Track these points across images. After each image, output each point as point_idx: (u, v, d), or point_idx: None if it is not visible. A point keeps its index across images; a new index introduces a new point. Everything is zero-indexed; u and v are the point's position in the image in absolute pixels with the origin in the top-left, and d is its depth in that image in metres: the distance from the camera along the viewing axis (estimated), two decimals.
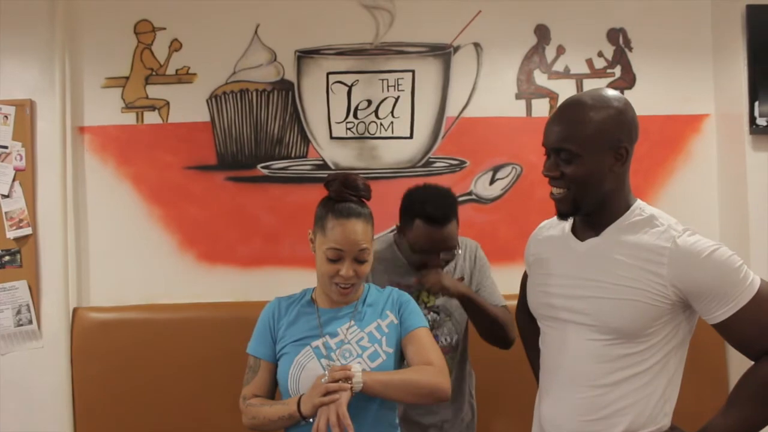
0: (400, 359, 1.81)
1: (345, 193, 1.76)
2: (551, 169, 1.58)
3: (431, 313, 2.18)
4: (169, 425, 2.83)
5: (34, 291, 2.90)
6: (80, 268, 2.96)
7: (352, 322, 1.78)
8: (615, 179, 1.56)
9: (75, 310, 2.91)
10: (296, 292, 1.90)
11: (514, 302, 2.07)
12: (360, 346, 1.75)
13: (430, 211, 2.04)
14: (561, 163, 1.56)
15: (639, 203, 1.61)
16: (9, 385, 2.89)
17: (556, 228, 1.77)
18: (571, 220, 1.69)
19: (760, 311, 1.45)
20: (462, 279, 2.21)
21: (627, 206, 1.59)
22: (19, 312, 2.90)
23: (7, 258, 2.90)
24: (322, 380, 1.60)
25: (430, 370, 1.69)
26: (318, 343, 1.75)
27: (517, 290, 2.04)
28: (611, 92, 1.59)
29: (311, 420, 1.59)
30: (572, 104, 1.58)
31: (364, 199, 1.80)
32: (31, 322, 2.90)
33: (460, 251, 2.18)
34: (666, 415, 1.57)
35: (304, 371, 1.71)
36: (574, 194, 1.56)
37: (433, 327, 2.16)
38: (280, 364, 1.77)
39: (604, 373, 1.56)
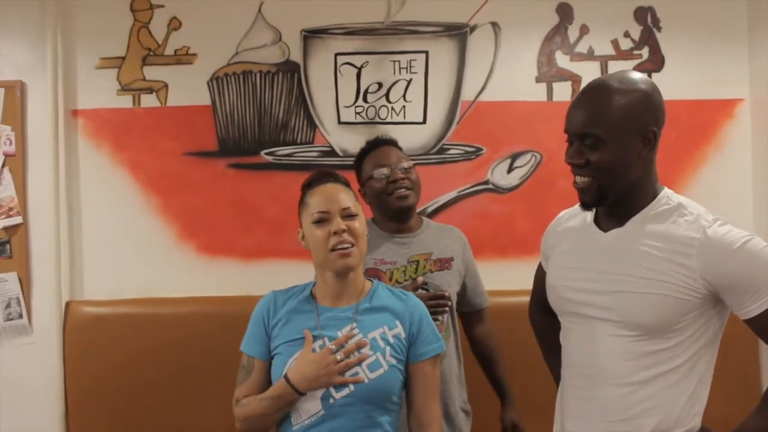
0: (404, 373, 1.69)
1: (320, 176, 1.76)
2: (575, 157, 1.51)
3: (420, 289, 2.13)
4: (165, 424, 2.75)
5: (25, 283, 2.82)
6: (73, 260, 2.86)
7: (354, 325, 1.67)
8: (642, 166, 1.51)
9: (68, 304, 2.82)
10: (293, 285, 1.80)
11: (524, 299, 2.02)
12: (360, 353, 1.64)
13: (368, 142, 2.30)
14: (586, 149, 1.50)
15: (666, 191, 1.55)
16: None
17: (576, 218, 1.70)
18: (593, 210, 1.63)
19: None
20: (452, 259, 2.22)
21: (654, 195, 1.54)
22: (8, 306, 2.80)
23: None
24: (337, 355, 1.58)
25: None
26: (315, 345, 1.64)
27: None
28: (637, 74, 1.54)
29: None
30: (597, 87, 1.52)
31: None
32: (21, 316, 2.81)
33: (414, 171, 2.25)
34: (696, 416, 1.51)
35: (329, 383, 1.61)
36: (600, 183, 1.50)
37: None
38: (273, 364, 1.68)
39: (630, 371, 1.51)
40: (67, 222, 2.84)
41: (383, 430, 1.64)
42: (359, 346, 1.60)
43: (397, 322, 1.68)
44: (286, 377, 1.59)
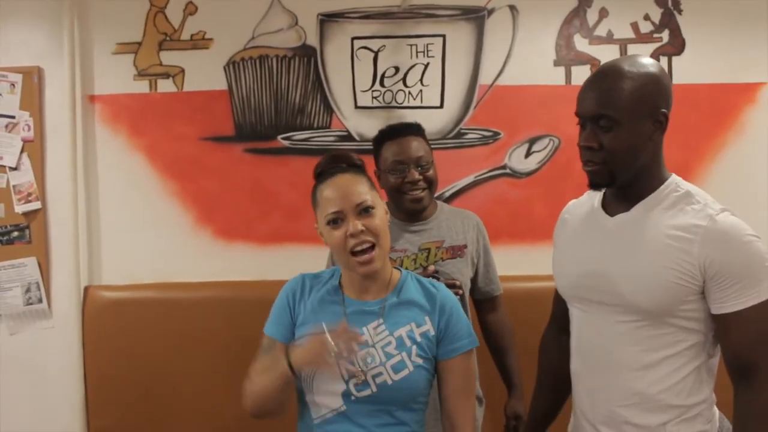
0: (432, 372, 1.61)
1: (332, 164, 1.65)
2: (590, 139, 1.51)
3: (431, 278, 2.05)
4: (183, 408, 2.76)
5: (44, 268, 2.83)
6: (91, 245, 2.87)
7: (381, 321, 1.58)
8: (653, 149, 1.52)
9: (86, 289, 2.84)
10: (322, 270, 1.73)
11: (540, 284, 2.01)
12: (385, 353, 1.55)
13: (389, 127, 2.22)
14: (599, 132, 1.49)
15: (674, 178, 1.56)
16: (19, 365, 2.84)
17: (585, 206, 1.70)
18: (601, 195, 1.64)
19: (766, 315, 1.42)
20: (465, 246, 2.18)
21: (661, 181, 1.55)
22: (28, 290, 2.82)
23: (15, 233, 2.81)
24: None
25: None
26: None
27: (550, 271, 1.87)
28: (645, 58, 1.55)
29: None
30: (608, 70, 1.53)
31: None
32: (41, 300, 2.82)
33: (432, 166, 2.18)
34: (705, 401, 1.52)
35: (319, 371, 1.54)
36: (612, 165, 1.50)
37: None
38: None
39: (635, 355, 1.51)
40: (85, 207, 2.84)
41: (409, 429, 1.57)
42: (353, 339, 1.45)
43: (426, 319, 1.60)
44: (287, 350, 1.52)
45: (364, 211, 1.54)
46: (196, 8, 2.85)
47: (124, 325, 2.77)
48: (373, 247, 1.54)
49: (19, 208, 2.79)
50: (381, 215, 1.57)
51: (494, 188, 2.85)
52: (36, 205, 2.81)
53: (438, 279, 2.09)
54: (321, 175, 1.64)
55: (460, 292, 2.09)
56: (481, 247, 2.25)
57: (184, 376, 2.74)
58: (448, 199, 2.81)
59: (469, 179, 2.86)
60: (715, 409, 1.58)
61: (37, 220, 2.81)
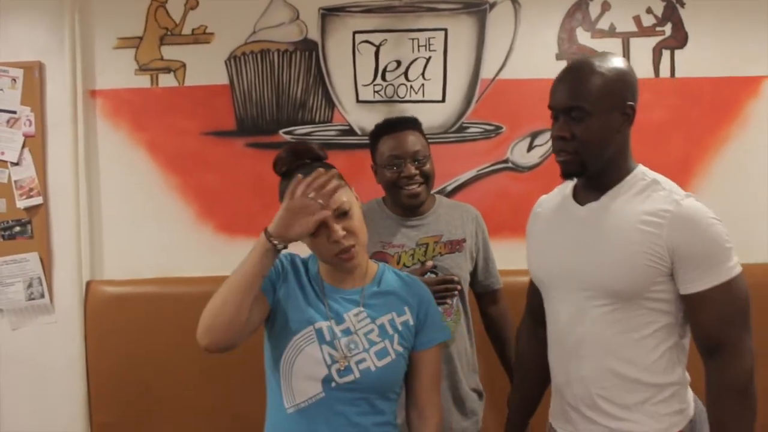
0: (407, 361, 1.63)
1: (295, 161, 1.59)
2: (563, 130, 1.58)
3: (429, 273, 2.09)
4: (185, 402, 2.75)
5: (46, 263, 2.83)
6: (93, 240, 2.87)
7: (361, 309, 1.60)
8: (621, 140, 1.60)
9: (88, 284, 2.84)
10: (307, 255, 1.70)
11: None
12: (368, 340, 1.57)
13: (385, 121, 2.18)
14: (572, 123, 1.57)
15: (641, 168, 1.64)
16: (21, 360, 2.84)
17: (555, 199, 1.79)
18: (571, 187, 1.72)
19: (728, 295, 1.50)
20: (463, 240, 2.17)
21: (629, 170, 1.63)
22: (30, 285, 2.82)
23: (17, 229, 2.81)
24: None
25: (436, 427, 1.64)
26: (323, 325, 1.56)
27: None
28: (615, 56, 1.64)
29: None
30: (579, 64, 1.62)
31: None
32: (43, 295, 2.82)
33: (429, 160, 2.17)
34: (678, 381, 1.60)
35: (301, 355, 1.53)
36: (583, 155, 1.58)
37: None
38: (274, 335, 1.58)
39: (611, 338, 1.58)
40: (87, 202, 2.84)
41: (385, 418, 1.59)
42: (326, 182, 1.44)
43: (406, 309, 1.63)
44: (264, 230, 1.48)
45: (343, 215, 1.53)
46: (197, 2, 2.83)
47: (126, 320, 2.76)
48: (353, 246, 1.54)
49: (21, 203, 2.79)
50: (356, 212, 1.57)
51: (496, 182, 2.84)
52: (37, 200, 2.80)
53: (436, 274, 2.10)
54: (287, 175, 1.59)
55: (459, 287, 2.09)
56: (480, 240, 2.24)
57: (186, 371, 2.73)
58: (450, 193, 2.81)
59: (471, 173, 2.85)
60: (690, 391, 1.65)
61: (38, 215, 2.81)
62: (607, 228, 1.57)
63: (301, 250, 1.65)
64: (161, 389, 2.75)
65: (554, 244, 1.70)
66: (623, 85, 1.58)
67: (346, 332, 1.56)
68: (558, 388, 1.73)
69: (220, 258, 2.82)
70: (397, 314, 1.61)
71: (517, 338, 1.99)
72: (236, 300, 1.45)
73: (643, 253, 1.52)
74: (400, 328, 1.60)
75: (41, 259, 2.81)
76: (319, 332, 1.55)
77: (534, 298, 1.86)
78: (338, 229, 1.51)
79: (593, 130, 1.55)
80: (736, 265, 1.52)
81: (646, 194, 1.57)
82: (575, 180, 1.70)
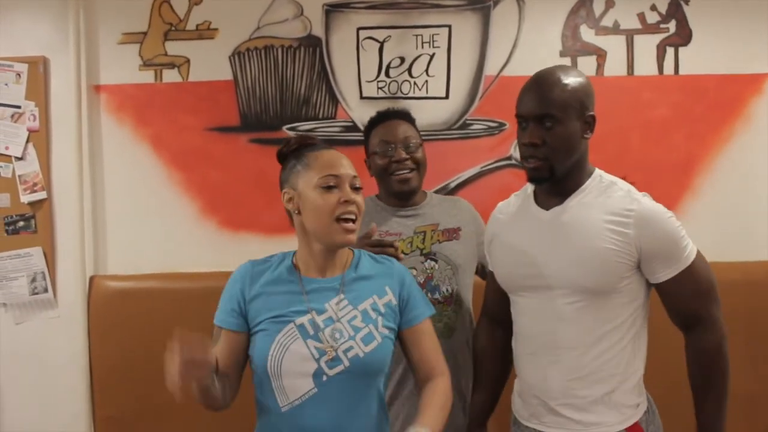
0: (394, 341, 1.63)
1: (306, 141, 1.66)
2: (534, 136, 1.66)
3: (428, 260, 2.10)
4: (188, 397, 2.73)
5: (50, 258, 2.83)
6: (97, 235, 2.87)
7: (342, 296, 1.59)
8: (584, 147, 1.70)
9: (92, 279, 2.84)
10: (270, 255, 1.70)
11: None
12: (353, 327, 1.56)
13: (377, 113, 2.22)
14: (543, 130, 1.65)
15: (598, 171, 1.75)
16: (24, 355, 2.84)
17: (515, 205, 1.87)
18: (532, 194, 1.80)
19: (692, 276, 1.65)
20: (459, 229, 2.17)
21: (589, 174, 1.73)
22: (34, 280, 2.82)
23: (21, 223, 2.82)
24: None
25: (445, 389, 1.62)
26: (303, 320, 1.55)
27: None
28: (574, 69, 1.79)
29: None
30: (547, 75, 1.71)
31: None
32: (46, 290, 2.83)
33: (421, 149, 2.16)
34: (638, 370, 1.71)
35: (287, 353, 1.52)
36: (552, 160, 1.66)
37: (432, 276, 2.10)
38: (257, 342, 1.57)
39: (580, 333, 1.67)
40: (91, 197, 2.84)
41: (376, 399, 1.59)
42: (198, 351, 1.39)
43: (387, 289, 1.63)
44: None
45: (356, 189, 1.59)
46: None
47: (129, 315, 2.77)
48: (355, 220, 1.57)
49: (25, 198, 2.80)
50: (362, 193, 1.62)
51: (500, 179, 2.84)
52: (41, 195, 2.81)
53: (435, 261, 2.09)
54: (307, 147, 1.64)
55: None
56: (480, 227, 2.22)
57: None
58: (454, 190, 2.81)
59: (474, 170, 2.85)
60: (644, 389, 1.75)
61: (42, 209, 2.82)
62: (575, 229, 1.66)
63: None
64: (164, 384, 2.70)
65: (521, 247, 1.76)
66: (585, 95, 1.67)
67: (329, 321, 1.55)
68: (525, 384, 1.79)
69: (224, 254, 2.83)
70: (379, 296, 1.62)
71: (474, 339, 2.05)
72: (204, 403, 1.52)
73: (612, 250, 1.62)
74: (383, 310, 1.60)
75: (45, 254, 2.81)
76: (301, 328, 1.54)
77: (492, 300, 1.94)
78: (351, 192, 1.56)
79: (562, 137, 1.65)
80: (693, 250, 1.67)
81: (607, 195, 1.68)
82: (533, 186, 1.79)
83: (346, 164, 1.59)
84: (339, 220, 1.55)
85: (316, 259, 1.62)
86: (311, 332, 1.54)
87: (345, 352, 1.53)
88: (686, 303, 1.68)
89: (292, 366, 1.52)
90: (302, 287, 1.60)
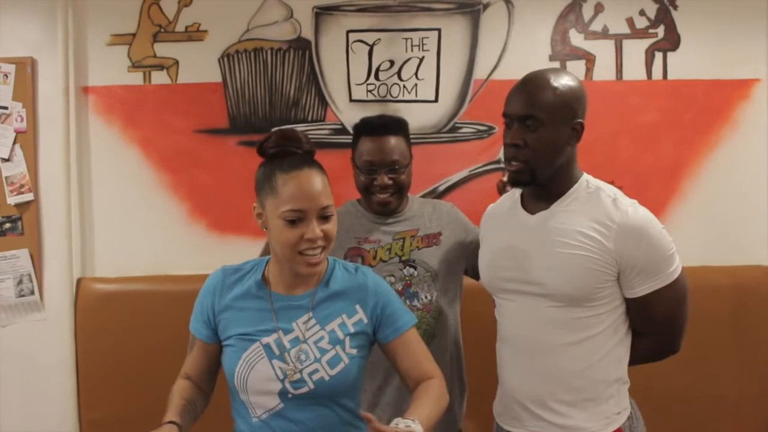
0: (367, 356, 1.60)
1: (287, 146, 1.52)
2: (516, 137, 1.65)
3: (407, 267, 2.09)
4: None
5: (36, 260, 2.81)
6: (84, 237, 2.85)
7: (311, 315, 1.55)
8: (569, 153, 1.68)
9: (79, 281, 2.82)
10: (243, 262, 1.66)
11: None
12: (319, 348, 1.52)
13: (368, 121, 2.15)
14: (526, 131, 1.64)
15: (586, 176, 1.73)
16: (10, 358, 2.82)
17: (504, 207, 1.88)
18: (519, 197, 1.80)
19: (670, 294, 1.64)
20: (440, 234, 2.14)
21: (575, 180, 1.71)
22: (20, 282, 2.80)
23: (7, 225, 2.80)
24: None
25: (439, 387, 1.56)
26: (269, 340, 1.53)
27: None
28: (568, 73, 1.73)
29: None
30: (536, 76, 1.69)
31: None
32: (33, 292, 2.81)
33: (407, 170, 2.11)
34: (621, 377, 1.71)
35: (253, 372, 1.51)
36: (534, 163, 1.65)
37: (411, 283, 2.08)
38: (226, 355, 1.57)
39: (560, 338, 1.67)
40: (78, 199, 2.82)
41: (349, 411, 1.56)
42: None
43: (357, 307, 1.57)
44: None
45: (325, 218, 1.50)
46: (191, 0, 2.83)
47: (116, 318, 2.75)
48: (323, 250, 1.51)
49: (12, 200, 2.78)
50: (335, 222, 1.53)
51: (489, 182, 2.82)
52: (28, 196, 2.79)
53: (414, 267, 2.08)
54: (275, 158, 1.53)
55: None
56: (464, 226, 2.19)
57: (176, 369, 2.63)
58: (442, 194, 2.81)
59: (463, 173, 2.85)
60: (628, 395, 1.75)
61: (29, 211, 2.80)
62: (558, 235, 1.65)
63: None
64: (151, 387, 2.67)
65: (506, 250, 1.77)
66: (575, 101, 1.65)
67: (295, 342, 1.53)
68: (507, 386, 1.79)
69: (212, 256, 2.79)
70: (348, 315, 1.57)
71: None
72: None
73: (592, 258, 1.61)
74: (351, 330, 1.55)
75: (31, 256, 2.80)
76: (267, 348, 1.52)
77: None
78: (317, 229, 1.47)
79: (544, 140, 1.63)
80: (677, 269, 1.65)
81: (593, 202, 1.66)
82: (521, 190, 1.78)
83: (316, 193, 1.48)
84: (302, 253, 1.48)
85: (285, 276, 1.57)
86: (277, 353, 1.52)
87: (310, 374, 1.51)
88: (654, 320, 1.68)
89: (257, 384, 1.52)
90: (271, 304, 1.57)
